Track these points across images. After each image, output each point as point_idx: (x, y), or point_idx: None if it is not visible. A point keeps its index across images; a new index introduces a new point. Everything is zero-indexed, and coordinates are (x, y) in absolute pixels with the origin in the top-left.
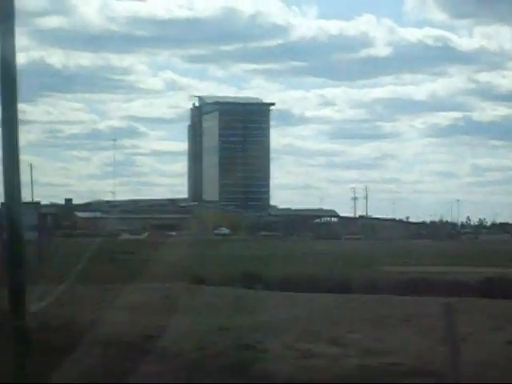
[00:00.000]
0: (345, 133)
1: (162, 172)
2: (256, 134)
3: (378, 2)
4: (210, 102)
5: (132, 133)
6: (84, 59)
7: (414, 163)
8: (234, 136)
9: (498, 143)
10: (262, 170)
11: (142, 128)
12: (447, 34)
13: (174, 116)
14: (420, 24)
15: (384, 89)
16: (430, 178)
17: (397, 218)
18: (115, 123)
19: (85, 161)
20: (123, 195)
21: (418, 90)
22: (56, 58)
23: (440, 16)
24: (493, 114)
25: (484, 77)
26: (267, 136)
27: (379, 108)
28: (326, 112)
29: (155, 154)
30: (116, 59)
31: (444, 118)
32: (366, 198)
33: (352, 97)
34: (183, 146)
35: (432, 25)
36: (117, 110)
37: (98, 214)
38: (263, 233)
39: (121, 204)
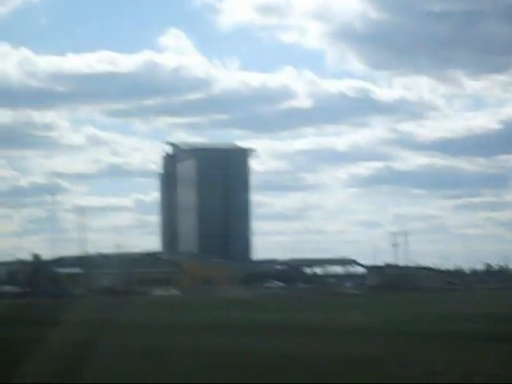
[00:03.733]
0: (268, 184)
1: (84, 227)
2: (236, 182)
3: (298, 55)
4: (185, 148)
5: (54, 189)
6: (4, 116)
7: (337, 213)
8: (212, 184)
9: (419, 192)
10: (242, 220)
11: (64, 184)
12: (367, 85)
13: (97, 171)
14: (340, 75)
15: (306, 140)
16: (354, 228)
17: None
18: (37, 179)
19: (7, 218)
20: (47, 251)
21: (340, 141)
22: None
23: (359, 67)
24: (414, 163)
25: (404, 127)
26: (247, 184)
27: (302, 159)
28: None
29: (78, 209)
30: (37, 115)
31: (366, 168)
32: (407, 244)
33: (275, 148)
34: (106, 201)
35: (352, 76)
36: (39, 167)
37: (78, 270)
38: (301, 286)
39: (91, 259)
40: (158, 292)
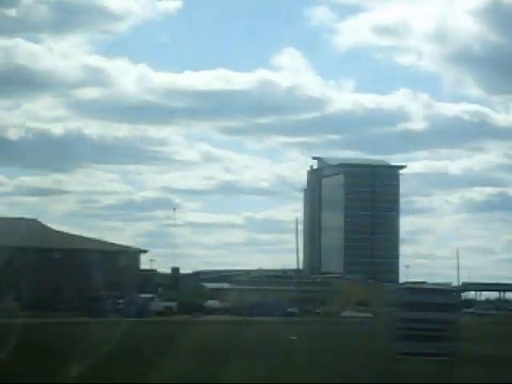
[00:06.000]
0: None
1: (195, 244)
2: (385, 201)
3: (414, 78)
4: (332, 163)
5: (167, 204)
6: (120, 130)
7: (449, 238)
8: (361, 202)
9: None
10: (391, 240)
11: (177, 199)
12: (484, 110)
13: (209, 187)
14: (457, 99)
15: (419, 163)
16: (465, 254)
17: None
18: (150, 194)
19: (119, 231)
20: (159, 266)
21: (454, 165)
22: (93, 128)
23: (477, 91)
24: None
25: None
26: (397, 203)
27: (415, 182)
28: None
29: (190, 225)
30: (152, 130)
31: (479, 193)
32: None
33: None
34: (216, 217)
35: (469, 100)
36: (152, 181)
37: (225, 285)
38: (493, 312)
39: (227, 275)
40: (348, 313)
